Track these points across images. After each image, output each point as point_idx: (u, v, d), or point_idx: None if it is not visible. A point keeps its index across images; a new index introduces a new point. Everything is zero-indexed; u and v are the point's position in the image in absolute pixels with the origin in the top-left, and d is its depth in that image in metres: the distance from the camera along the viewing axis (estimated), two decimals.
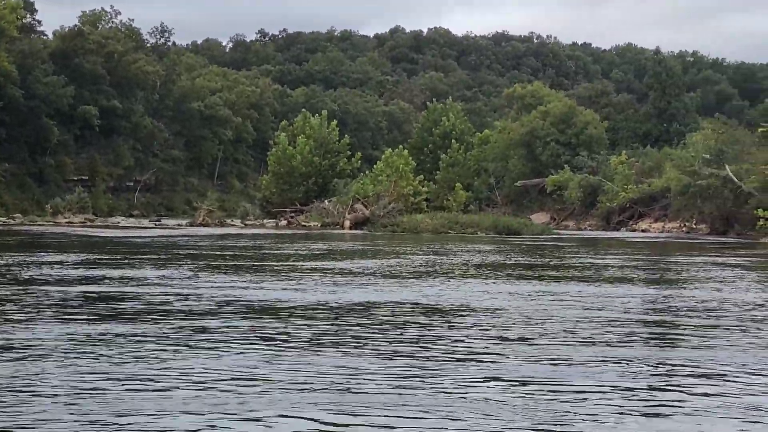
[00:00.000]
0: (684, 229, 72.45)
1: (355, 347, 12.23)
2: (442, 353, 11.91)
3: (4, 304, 16.21)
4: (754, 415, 8.69)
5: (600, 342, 13.06)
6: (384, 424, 8.06)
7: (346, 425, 8.00)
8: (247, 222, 79.06)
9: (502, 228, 63.76)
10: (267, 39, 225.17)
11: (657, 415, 8.66)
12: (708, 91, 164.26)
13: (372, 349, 12.05)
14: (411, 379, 10.09)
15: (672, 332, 14.44)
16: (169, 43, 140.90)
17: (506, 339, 13.23)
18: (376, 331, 13.81)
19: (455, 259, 32.58)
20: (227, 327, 13.87)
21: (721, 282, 23.92)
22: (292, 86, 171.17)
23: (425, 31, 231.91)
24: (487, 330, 14.14)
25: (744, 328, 14.91)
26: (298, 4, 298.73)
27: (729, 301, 19.00)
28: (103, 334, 12.87)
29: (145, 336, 12.81)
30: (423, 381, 9.98)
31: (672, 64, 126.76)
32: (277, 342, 12.53)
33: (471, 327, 14.50)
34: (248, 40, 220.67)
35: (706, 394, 9.59)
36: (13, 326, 13.49)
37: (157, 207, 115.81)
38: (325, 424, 8.05)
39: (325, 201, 75.84)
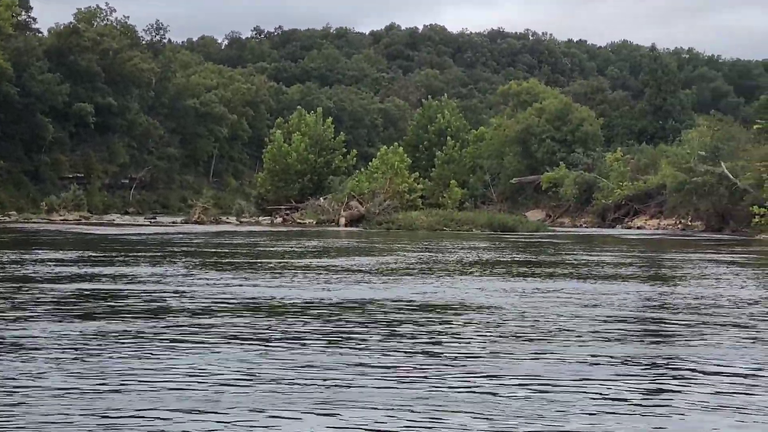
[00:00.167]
0: (679, 226, 72.51)
1: (350, 344, 12.22)
2: (437, 350, 11.89)
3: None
4: (750, 412, 8.69)
5: (595, 339, 13.05)
6: (377, 420, 8.04)
7: (339, 422, 7.99)
8: (242, 219, 79.12)
9: (498, 225, 63.77)
10: (263, 36, 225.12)
11: (652, 412, 8.65)
12: (703, 88, 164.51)
13: (366, 347, 12.04)
14: (395, 377, 10.07)
15: (667, 329, 14.43)
16: (165, 41, 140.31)
17: (501, 336, 13.22)
18: (371, 328, 13.79)
19: (450, 257, 32.56)
20: (222, 324, 13.86)
21: (717, 279, 23.93)
22: (287, 83, 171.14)
23: (421, 28, 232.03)
24: (482, 327, 14.13)
25: (739, 325, 14.91)
26: (293, 2, 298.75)
27: (724, 298, 19.00)
28: (97, 332, 12.85)
29: (140, 334, 12.79)
30: (417, 378, 9.96)
31: (667, 61, 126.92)
32: (272, 339, 12.52)
33: (466, 324, 14.49)
34: (244, 38, 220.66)
35: (701, 392, 9.59)
36: (6, 324, 13.46)
37: (153, 204, 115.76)
38: (319, 420, 8.04)
39: (321, 198, 75.89)
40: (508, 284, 21.47)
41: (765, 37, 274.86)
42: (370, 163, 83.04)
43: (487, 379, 10.01)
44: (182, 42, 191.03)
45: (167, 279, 21.32)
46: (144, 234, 49.87)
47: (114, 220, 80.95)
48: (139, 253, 31.65)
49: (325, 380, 9.75)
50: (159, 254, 31.35)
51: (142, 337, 12.46)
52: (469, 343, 12.60)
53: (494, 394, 9.23)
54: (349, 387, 9.44)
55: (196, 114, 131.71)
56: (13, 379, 9.59)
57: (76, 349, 11.44)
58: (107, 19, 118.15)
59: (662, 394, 9.48)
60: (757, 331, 14.20)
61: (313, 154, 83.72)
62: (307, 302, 17.05)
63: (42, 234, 48.40)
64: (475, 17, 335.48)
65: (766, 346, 12.83)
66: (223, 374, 10.01)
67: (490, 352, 11.83)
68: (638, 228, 75.24)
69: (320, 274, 23.64)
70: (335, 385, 9.49)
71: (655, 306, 17.60)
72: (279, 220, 76.54)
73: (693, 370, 10.85)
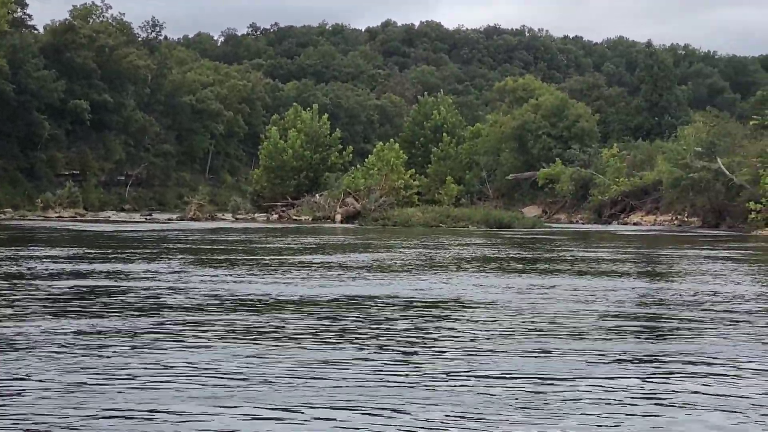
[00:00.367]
0: (676, 222, 72.47)
1: (346, 341, 12.21)
2: (433, 347, 11.88)
3: None
4: (746, 407, 8.68)
5: (591, 335, 13.04)
6: (373, 416, 8.03)
7: (336, 418, 7.98)
8: (238, 216, 79.04)
9: (494, 221, 63.76)
10: (258, 33, 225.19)
11: (649, 408, 8.64)
12: (699, 84, 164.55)
13: (362, 343, 12.03)
14: (401, 372, 10.07)
15: (664, 325, 14.42)
16: (161, 37, 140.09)
17: (497, 332, 13.21)
18: (367, 324, 13.78)
19: (447, 253, 32.56)
20: (217, 321, 13.85)
21: (713, 275, 23.93)
22: (283, 80, 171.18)
23: (417, 24, 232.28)
24: (479, 324, 14.12)
25: (736, 320, 14.91)
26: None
27: (721, 293, 19.00)
28: (93, 329, 12.83)
29: (136, 331, 12.78)
30: (413, 374, 9.96)
31: (663, 57, 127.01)
32: (268, 336, 12.51)
33: (462, 321, 14.49)
34: (239, 34, 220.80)
35: (697, 387, 9.58)
36: (1, 321, 13.44)
37: (149, 201, 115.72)
38: (314, 415, 8.02)
39: (317, 195, 75.88)
40: (505, 281, 21.47)
41: (761, 33, 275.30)
42: (366, 160, 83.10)
43: (483, 375, 10.00)
44: (178, 39, 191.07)
45: (163, 276, 21.30)
46: (140, 231, 49.85)
47: (110, 217, 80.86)
48: (135, 250, 31.63)
49: (320, 377, 9.74)
50: (155, 251, 31.33)
51: (137, 334, 12.44)
52: (465, 339, 12.58)
53: (490, 390, 9.22)
54: (345, 383, 9.43)
55: (192, 111, 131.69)
56: (9, 376, 9.56)
57: (71, 347, 11.42)
58: (103, 15, 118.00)
59: (659, 390, 9.47)
60: (753, 327, 14.20)
61: (309, 150, 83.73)
62: (303, 299, 17.04)
63: (38, 231, 48.35)
64: (470, 14, 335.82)
65: (763, 342, 12.83)
66: (218, 371, 10.00)
67: (487, 349, 11.82)
68: (634, 224, 75.19)
69: (316, 270, 23.63)
70: (329, 380, 9.48)
71: (651, 302, 17.59)
72: (275, 216, 76.51)
73: (690, 366, 10.84)
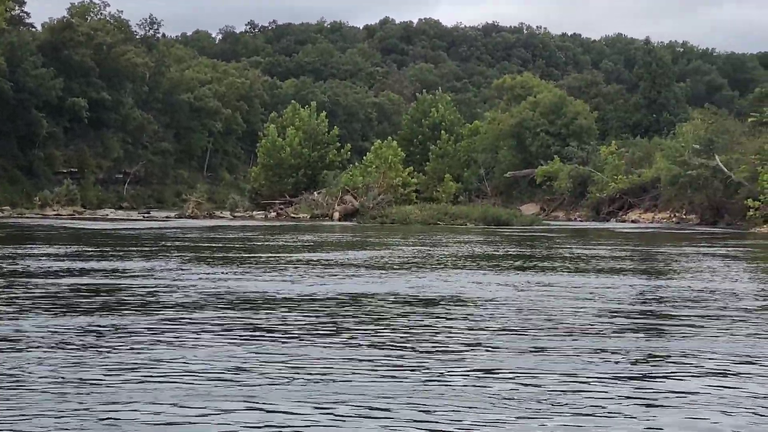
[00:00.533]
0: (674, 219, 72.50)
1: (344, 338, 12.21)
2: (431, 344, 11.89)
3: None
4: (745, 404, 8.68)
5: (590, 333, 13.05)
6: (370, 413, 8.03)
7: (333, 414, 7.98)
8: (236, 214, 79.01)
9: (492, 219, 63.76)
10: (257, 30, 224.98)
11: (647, 405, 8.64)
12: (698, 81, 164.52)
13: (360, 340, 12.03)
14: (399, 369, 10.08)
15: (662, 323, 14.43)
16: (159, 35, 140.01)
17: (496, 329, 13.21)
18: (366, 322, 13.80)
19: (445, 251, 32.55)
20: (215, 319, 13.85)
21: (711, 272, 23.95)
22: (281, 78, 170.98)
23: (415, 22, 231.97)
24: (477, 321, 14.13)
25: (734, 318, 14.92)
26: None
27: (719, 291, 19.01)
28: (91, 327, 12.83)
29: (134, 328, 12.78)
30: (411, 371, 9.96)
31: (662, 54, 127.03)
32: (265, 333, 12.51)
33: (461, 318, 14.49)
34: (238, 32, 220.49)
35: (696, 385, 9.59)
36: (0, 319, 13.46)
37: (147, 199, 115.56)
38: (312, 412, 8.02)
39: (315, 193, 75.83)
40: (503, 278, 21.48)
41: (759, 30, 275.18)
42: (364, 158, 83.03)
43: (481, 373, 10.00)
44: (176, 36, 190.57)
45: (161, 273, 21.30)
46: (138, 229, 49.84)
47: (108, 214, 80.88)
48: (133, 248, 31.62)
49: (318, 373, 9.74)
50: (153, 249, 31.32)
51: (135, 332, 12.45)
52: (463, 336, 12.59)
53: (488, 388, 9.22)
54: (343, 380, 9.43)
55: (190, 108, 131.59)
56: (6, 374, 9.56)
57: (69, 344, 11.43)
58: (101, 13, 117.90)
59: (657, 387, 9.48)
60: (751, 325, 14.21)
61: (307, 148, 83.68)
62: (300, 296, 17.04)
63: (35, 229, 48.35)
64: (469, 11, 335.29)
65: (761, 339, 12.84)
66: (216, 368, 10.00)
67: (485, 346, 11.82)
68: (633, 221, 75.21)
69: (314, 268, 23.64)
70: (329, 379, 9.48)
71: (649, 299, 17.60)
72: (273, 214, 76.47)
73: (688, 364, 10.84)
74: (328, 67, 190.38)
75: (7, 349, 11.07)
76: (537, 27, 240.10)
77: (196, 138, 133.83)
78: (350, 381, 9.44)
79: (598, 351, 11.51)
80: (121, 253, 28.50)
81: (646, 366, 10.70)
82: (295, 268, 23.58)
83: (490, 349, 11.64)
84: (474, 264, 26.13)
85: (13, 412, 7.96)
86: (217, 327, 13.05)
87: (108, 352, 10.96)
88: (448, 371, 10.06)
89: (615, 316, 14.89)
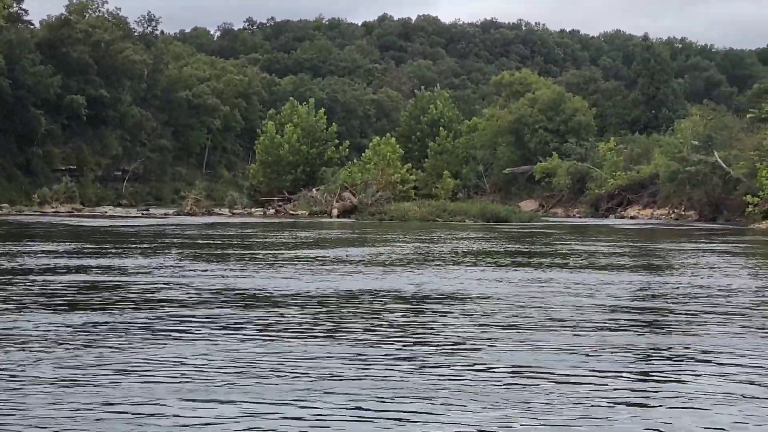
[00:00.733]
0: (673, 215, 72.53)
1: (342, 334, 12.20)
2: (430, 340, 11.89)
3: None
4: (745, 399, 8.67)
5: (590, 328, 13.04)
6: (369, 409, 8.02)
7: (331, 410, 7.97)
8: (234, 211, 79.01)
9: (491, 216, 63.70)
10: (255, 27, 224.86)
11: (647, 401, 8.64)
12: (696, 77, 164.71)
13: (359, 337, 12.03)
14: (398, 365, 10.07)
15: (661, 318, 14.43)
16: (157, 32, 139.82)
17: (495, 326, 13.21)
18: (364, 318, 13.79)
19: (443, 247, 32.55)
20: (214, 315, 13.84)
21: (710, 268, 23.96)
22: (280, 75, 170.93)
23: (414, 18, 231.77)
24: (476, 317, 14.13)
25: (733, 313, 14.93)
26: None
27: (718, 287, 19.01)
28: (90, 323, 12.82)
29: (132, 325, 12.77)
30: (410, 367, 9.96)
31: (660, 50, 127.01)
32: (264, 330, 12.51)
33: (460, 314, 14.49)
34: (236, 29, 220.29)
35: (696, 380, 9.59)
36: None
37: (146, 196, 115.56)
38: (311, 406, 8.02)
39: (313, 189, 75.85)
40: (502, 274, 21.48)
41: (758, 27, 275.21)
42: (362, 155, 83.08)
43: (482, 368, 10.00)
44: (174, 33, 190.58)
45: (159, 270, 21.29)
46: (137, 226, 49.82)
47: (106, 212, 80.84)
48: (132, 245, 31.60)
49: (317, 370, 9.74)
50: (151, 246, 31.30)
51: (134, 328, 12.44)
52: (462, 332, 12.58)
53: (489, 383, 9.22)
54: (341, 376, 9.43)
55: (188, 106, 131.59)
56: (6, 370, 9.55)
57: (67, 341, 11.42)
58: (99, 10, 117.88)
59: (656, 383, 9.47)
60: (750, 320, 14.21)
61: (306, 145, 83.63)
62: (299, 293, 17.03)
63: (34, 226, 48.34)
64: (467, 7, 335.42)
65: (759, 334, 12.83)
66: (214, 365, 9.99)
67: (485, 341, 11.82)
68: (631, 218, 75.29)
69: (313, 265, 23.63)
70: (328, 375, 9.48)
71: (649, 295, 17.59)
72: (271, 211, 76.45)
73: (687, 359, 10.85)
74: (327, 64, 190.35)
75: (6, 345, 11.06)
76: (535, 23, 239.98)
77: (195, 135, 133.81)
78: (348, 377, 9.44)
79: (599, 346, 11.50)
80: (119, 251, 28.49)
81: (646, 361, 10.70)
82: (294, 265, 23.58)
83: (489, 344, 11.64)
84: (473, 260, 26.13)
85: (11, 410, 7.95)
86: (216, 324, 13.05)
87: (105, 348, 10.96)
88: (447, 367, 10.06)
89: (614, 312, 14.89)
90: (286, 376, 9.48)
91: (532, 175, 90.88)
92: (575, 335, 12.44)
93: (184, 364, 10.08)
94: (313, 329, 12.70)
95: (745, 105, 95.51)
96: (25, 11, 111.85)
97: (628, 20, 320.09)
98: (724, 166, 64.44)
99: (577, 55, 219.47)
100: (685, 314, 14.81)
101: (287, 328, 12.71)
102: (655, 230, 52.76)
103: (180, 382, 9.11)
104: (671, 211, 73.65)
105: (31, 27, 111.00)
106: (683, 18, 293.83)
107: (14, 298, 15.74)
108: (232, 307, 15.00)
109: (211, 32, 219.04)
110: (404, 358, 10.59)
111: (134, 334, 12.00)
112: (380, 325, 13.11)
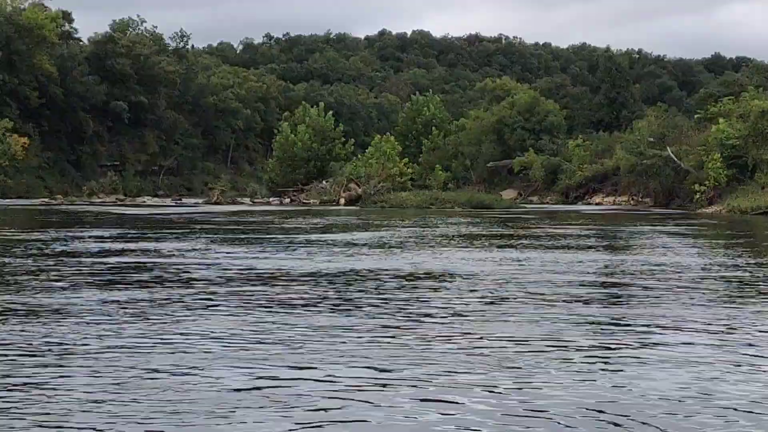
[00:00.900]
0: (632, 202, 72.48)
1: (349, 308, 12.20)
2: (424, 311, 11.88)
3: (43, 273, 16.14)
4: (690, 363, 8.68)
5: (561, 302, 13.03)
6: (372, 370, 8.01)
7: (342, 371, 7.96)
8: (255, 200, 78.99)
9: (476, 203, 63.73)
10: (272, 42, 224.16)
11: (612, 366, 8.63)
12: (651, 83, 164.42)
13: (364, 308, 12.02)
14: (398, 332, 10.07)
15: (622, 292, 14.42)
16: (188, 46, 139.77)
17: (478, 299, 13.20)
18: (368, 293, 13.78)
19: (435, 231, 32.53)
20: (238, 292, 13.83)
21: (664, 248, 23.94)
22: (294, 82, 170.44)
23: (409, 33, 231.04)
24: (463, 291, 14.11)
25: (684, 287, 14.91)
26: (299, 11, 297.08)
27: (670, 264, 19.00)
28: (131, 299, 12.82)
29: (168, 300, 12.76)
30: (407, 334, 9.95)
31: (620, 60, 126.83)
32: (282, 304, 12.50)
33: (449, 289, 14.47)
34: (256, 43, 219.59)
35: (652, 346, 9.57)
36: (54, 292, 13.44)
37: (179, 188, 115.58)
38: (325, 371, 8.01)
39: (323, 181, 75.78)
40: (486, 254, 21.46)
41: (704, 40, 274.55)
42: (365, 151, 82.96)
43: (467, 335, 9.99)
44: (203, 47, 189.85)
45: (191, 253, 21.28)
46: (171, 213, 49.80)
47: (145, 201, 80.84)
48: (167, 231, 31.57)
49: (328, 336, 9.73)
50: (183, 231, 31.28)
51: (170, 303, 12.43)
52: (450, 305, 12.57)
53: (473, 348, 9.21)
54: (351, 341, 9.42)
55: (215, 110, 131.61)
56: (57, 340, 9.55)
57: (113, 315, 11.41)
58: (138, 28, 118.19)
59: (618, 348, 9.46)
60: (697, 293, 14.20)
61: (316, 143, 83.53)
62: (312, 272, 17.02)
63: (84, 214, 48.31)
64: (455, 23, 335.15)
65: (706, 305, 12.83)
66: (239, 335, 9.98)
67: (470, 312, 11.80)
68: (596, 204, 75.22)
69: (323, 247, 23.60)
70: (337, 343, 9.47)
71: (612, 272, 17.59)
72: (287, 200, 76.42)
73: (645, 327, 10.83)
74: (334, 72, 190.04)
75: (59, 318, 11.05)
76: (513, 37, 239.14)
77: (221, 135, 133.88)
78: (356, 341, 9.43)
79: (569, 318, 11.49)
80: (157, 235, 28.47)
81: (611, 331, 10.68)
82: (307, 247, 23.56)
83: (474, 315, 11.62)
84: (461, 242, 26.11)
85: (60, 377, 7.94)
86: (240, 299, 13.04)
87: (145, 320, 10.95)
88: (437, 337, 10.04)
89: (582, 286, 14.87)
90: (301, 342, 9.48)
91: (512, 168, 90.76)
92: (548, 307, 12.42)
93: (213, 333, 10.08)
94: (324, 302, 12.69)
95: (693, 107, 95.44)
96: (75, 30, 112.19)
97: (593, 34, 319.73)
98: (676, 159, 64.41)
99: (549, 64, 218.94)
100: (643, 288, 14.80)
101: (302, 302, 12.70)
102: (617, 215, 52.71)
103: (210, 350, 9.11)
104: (630, 198, 73.58)
105: (80, 43, 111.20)
106: (640, 32, 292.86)
107: (67, 277, 15.73)
108: (254, 284, 14.99)
109: (235, 46, 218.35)
110: (402, 327, 10.58)
111: (170, 308, 11.99)
112: (382, 298, 13.10)
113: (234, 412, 6.79)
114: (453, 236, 29.17)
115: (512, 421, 6.65)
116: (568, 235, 29.56)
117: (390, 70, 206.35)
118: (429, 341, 9.77)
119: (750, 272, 17.66)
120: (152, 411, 6.85)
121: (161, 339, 9.74)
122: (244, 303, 12.65)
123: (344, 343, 9.57)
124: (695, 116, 75.27)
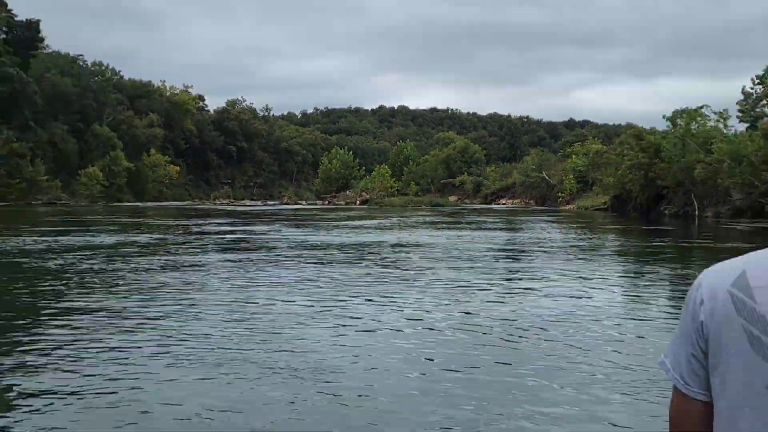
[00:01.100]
0: (523, 204, 72.36)
1: (362, 263, 12.17)
2: (403, 266, 11.85)
3: (187, 243, 16.10)
4: (560, 296, 8.65)
5: (481, 260, 13.01)
6: (374, 304, 7.99)
7: (352, 303, 7.93)
8: (308, 203, 78.78)
9: (434, 204, 63.59)
10: (318, 111, 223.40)
11: (507, 298, 8.61)
12: (533, 135, 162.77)
13: (369, 264, 11.99)
14: (387, 281, 10.03)
15: (517, 254, 14.39)
16: (270, 114, 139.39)
17: (435, 258, 13.18)
18: (371, 254, 13.76)
19: (411, 220, 32.46)
20: (298, 255, 13.79)
21: (541, 229, 23.90)
22: (330, 134, 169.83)
23: (396, 106, 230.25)
24: (425, 254, 14.09)
25: (552, 250, 14.89)
26: (334, 94, 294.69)
27: (545, 238, 18.97)
28: (240, 259, 12.78)
29: (261, 259, 12.72)
30: (393, 280, 9.92)
31: (516, 122, 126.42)
32: (324, 262, 12.47)
33: (418, 252, 14.44)
34: (309, 112, 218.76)
35: (535, 284, 9.56)
36: (192, 255, 13.40)
37: (265, 195, 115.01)
38: (349, 299, 7.96)
39: (347, 191, 75.66)
40: (439, 232, 21.42)
41: (565, 110, 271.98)
42: (371, 174, 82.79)
43: (428, 277, 9.97)
44: (280, 115, 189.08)
45: (271, 232, 21.22)
46: (260, 209, 49.68)
47: (246, 203, 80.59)
48: (257, 219, 31.49)
49: (352, 281, 9.71)
50: (268, 220, 31.20)
51: (259, 261, 12.40)
52: (419, 262, 12.56)
53: (432, 285, 9.19)
54: (362, 285, 9.39)
55: (285, 151, 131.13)
56: (192, 288, 9.53)
57: (231, 269, 11.38)
58: (242, 104, 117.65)
59: (514, 288, 9.45)
60: (566, 254, 14.19)
61: (343, 169, 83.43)
62: (340, 243, 16.99)
63: (210, 211, 48.17)
64: (422, 101, 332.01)
65: (565, 260, 12.82)
66: (300, 279, 9.95)
67: (429, 266, 11.79)
68: (503, 204, 75.09)
69: (345, 229, 23.55)
70: (355, 284, 9.45)
71: (513, 242, 17.56)
72: (326, 203, 76.19)
73: (532, 273, 10.82)
74: (353, 129, 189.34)
75: (193, 272, 11.03)
76: (456, 108, 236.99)
77: (289, 165, 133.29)
78: (367, 283, 9.41)
79: (485, 269, 11.48)
80: (252, 222, 28.39)
81: (511, 276, 10.67)
82: (337, 228, 23.51)
83: (431, 268, 11.61)
84: (425, 226, 26.06)
85: (197, 313, 7.90)
86: (300, 259, 13.01)
87: (247, 271, 10.93)
88: (408, 280, 10.03)
89: (493, 251, 14.85)
90: (339, 281, 9.46)
91: (455, 183, 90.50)
92: (472, 262, 12.42)
93: (286, 277, 10.06)
94: (347, 259, 12.67)
95: (558, 149, 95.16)
96: (206, 104, 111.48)
97: (503, 106, 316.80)
98: (548, 178, 64.28)
99: (476, 124, 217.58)
100: (529, 251, 14.78)
101: (336, 260, 12.68)
102: (515, 211, 52.62)
103: (283, 284, 9.08)
104: (522, 201, 73.46)
105: (208, 112, 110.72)
106: (528, 106, 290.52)
107: (199, 246, 15.69)
108: (308, 249, 14.96)
109: (297, 114, 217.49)
110: (392, 273, 10.57)
111: (261, 264, 11.98)
112: (381, 257, 13.09)
113: (307, 324, 6.77)
114: (420, 223, 29.12)
115: (453, 325, 6.66)
116: (487, 222, 29.52)
117: (385, 128, 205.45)
118: (407, 280, 9.77)
119: (588, 242, 17.68)
120: (255, 317, 6.86)
121: (259, 282, 9.73)
122: (303, 260, 12.65)
123: (362, 283, 9.56)
124: (558, 154, 75.07)
